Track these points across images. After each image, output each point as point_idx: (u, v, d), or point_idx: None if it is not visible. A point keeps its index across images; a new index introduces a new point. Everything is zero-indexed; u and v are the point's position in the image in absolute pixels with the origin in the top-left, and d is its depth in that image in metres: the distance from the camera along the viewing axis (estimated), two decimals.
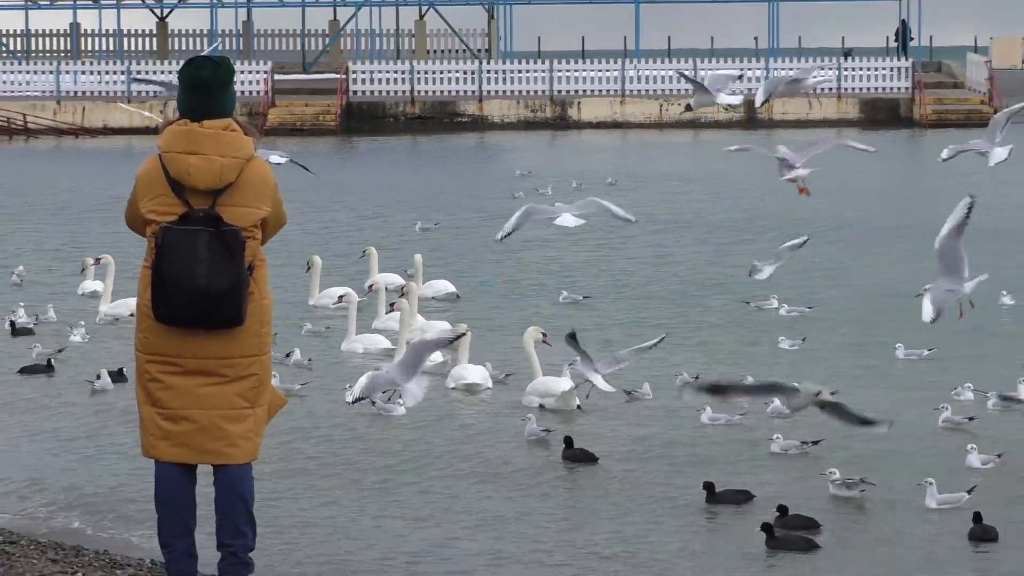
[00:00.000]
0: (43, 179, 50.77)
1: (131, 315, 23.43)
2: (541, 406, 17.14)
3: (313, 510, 13.63)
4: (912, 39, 79.64)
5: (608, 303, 25.41)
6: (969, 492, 13.70)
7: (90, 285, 25.81)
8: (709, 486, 13.77)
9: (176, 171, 9.14)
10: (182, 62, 9.59)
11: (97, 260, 25.60)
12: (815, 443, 15.21)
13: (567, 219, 14.83)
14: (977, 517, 12.98)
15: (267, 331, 9.41)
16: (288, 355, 19.50)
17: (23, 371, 19.51)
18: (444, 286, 25.36)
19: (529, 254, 30.07)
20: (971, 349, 20.33)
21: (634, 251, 30.64)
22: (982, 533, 12.94)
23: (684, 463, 15.18)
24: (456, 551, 12.68)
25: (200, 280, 9.01)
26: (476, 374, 18.41)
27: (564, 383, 17.35)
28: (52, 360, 19.86)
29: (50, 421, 17.23)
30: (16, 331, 22.21)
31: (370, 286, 23.36)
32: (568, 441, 15.21)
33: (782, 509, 13.12)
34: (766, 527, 12.67)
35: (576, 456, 15.03)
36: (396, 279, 24.83)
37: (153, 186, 9.22)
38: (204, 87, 9.28)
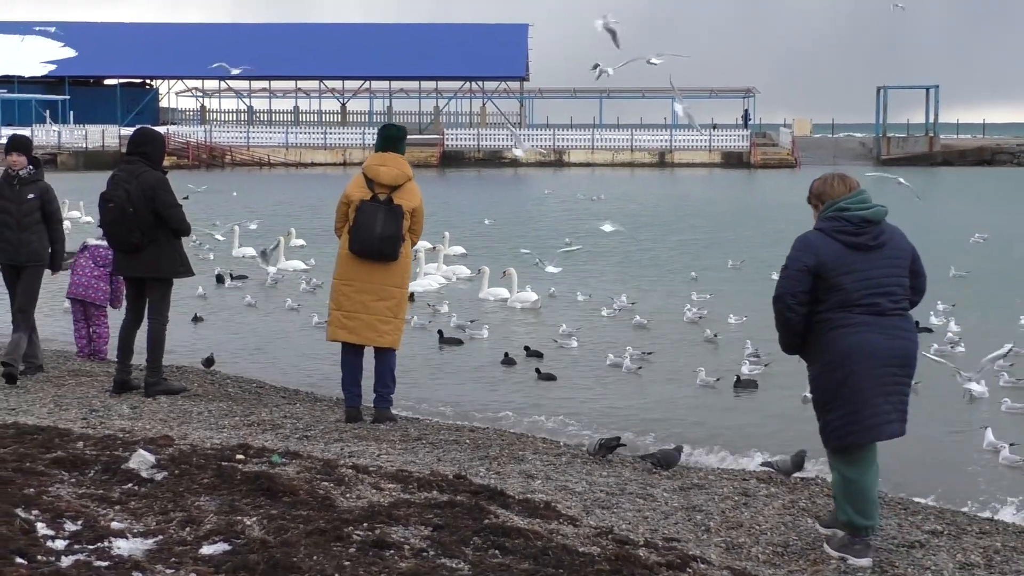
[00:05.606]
0: (278, 191, 50.72)
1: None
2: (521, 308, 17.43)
3: (422, 383, 13.16)
4: (750, 119, 79.78)
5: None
6: None
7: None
8: None
9: (371, 175, 9.20)
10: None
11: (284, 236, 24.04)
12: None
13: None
14: None
15: (407, 274, 9.32)
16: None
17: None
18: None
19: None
20: None
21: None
22: None
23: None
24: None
25: (377, 229, 9.06)
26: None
27: (533, 296, 17.63)
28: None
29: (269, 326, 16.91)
30: (219, 280, 20.15)
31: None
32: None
33: None
34: None
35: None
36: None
37: (359, 184, 9.26)
38: (391, 137, 9.35)
